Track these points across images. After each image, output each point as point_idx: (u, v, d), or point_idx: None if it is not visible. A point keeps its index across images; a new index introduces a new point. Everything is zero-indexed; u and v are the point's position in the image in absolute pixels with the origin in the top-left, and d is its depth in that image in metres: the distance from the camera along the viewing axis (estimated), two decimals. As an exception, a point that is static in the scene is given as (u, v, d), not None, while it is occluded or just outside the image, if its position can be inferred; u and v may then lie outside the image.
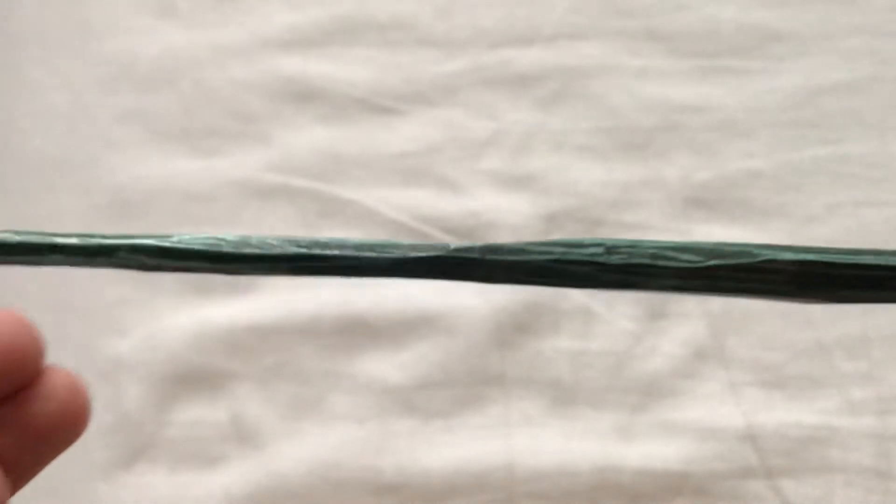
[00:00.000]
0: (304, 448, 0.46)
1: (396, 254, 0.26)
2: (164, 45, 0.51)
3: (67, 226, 0.48)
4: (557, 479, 0.45)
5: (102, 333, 0.47)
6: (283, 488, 0.45)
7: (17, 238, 0.27)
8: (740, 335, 0.46)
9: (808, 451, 0.44)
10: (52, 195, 0.49)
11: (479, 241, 0.47)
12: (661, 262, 0.26)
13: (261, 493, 0.45)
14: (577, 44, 0.50)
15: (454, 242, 0.27)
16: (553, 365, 0.46)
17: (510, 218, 0.48)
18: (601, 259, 0.26)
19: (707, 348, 0.46)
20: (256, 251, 0.27)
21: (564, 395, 0.46)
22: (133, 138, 0.50)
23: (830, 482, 0.44)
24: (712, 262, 0.26)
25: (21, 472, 0.25)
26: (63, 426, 0.26)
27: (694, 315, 0.46)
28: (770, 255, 0.26)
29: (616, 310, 0.46)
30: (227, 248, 0.27)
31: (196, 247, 0.27)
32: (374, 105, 0.50)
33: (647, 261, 0.26)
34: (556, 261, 0.27)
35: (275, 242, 0.27)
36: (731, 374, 0.45)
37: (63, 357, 0.48)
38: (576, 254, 0.26)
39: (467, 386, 0.46)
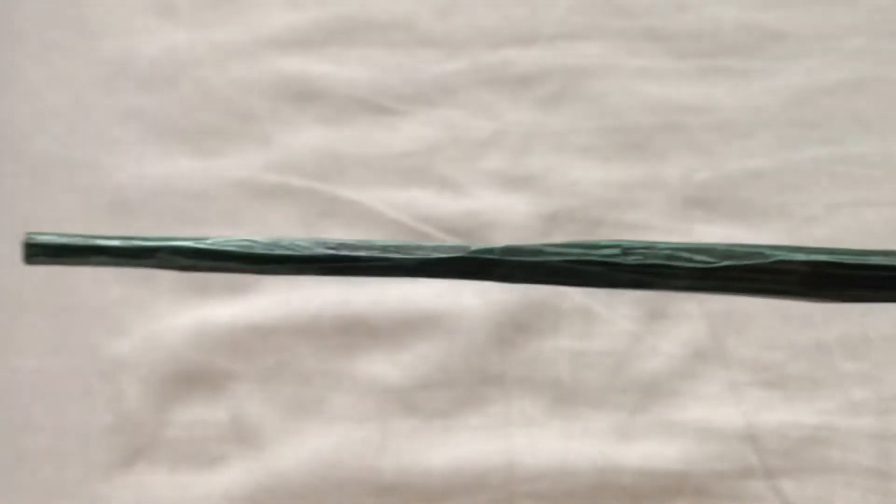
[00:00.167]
0: (304, 448, 0.46)
1: (420, 255, 0.27)
2: (164, 44, 0.51)
3: (67, 226, 0.48)
4: (557, 479, 0.45)
5: (102, 333, 0.47)
6: (283, 488, 0.45)
7: (63, 240, 0.28)
8: (740, 335, 0.46)
9: (808, 451, 0.44)
10: (52, 195, 0.49)
11: (479, 242, 0.47)
12: (675, 263, 0.27)
13: (261, 493, 0.45)
14: (577, 44, 0.50)
15: (474, 244, 0.28)
16: (553, 365, 0.46)
17: (510, 218, 0.48)
18: (617, 260, 0.27)
19: (707, 348, 0.46)
20: (287, 252, 0.28)
21: (564, 395, 0.46)
22: (133, 138, 0.50)
23: (830, 482, 0.44)
24: (726, 263, 0.27)
25: None
26: None
27: (694, 315, 0.46)
28: (782, 255, 0.27)
29: (616, 310, 0.47)
30: (258, 250, 0.28)
31: (229, 248, 0.28)
32: (374, 105, 0.50)
33: (662, 262, 0.27)
34: (573, 261, 0.27)
35: (304, 244, 0.28)
36: (731, 374, 0.45)
37: (63, 357, 0.48)
38: (592, 255, 0.27)
39: (467, 386, 0.46)
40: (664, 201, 0.48)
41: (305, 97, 0.50)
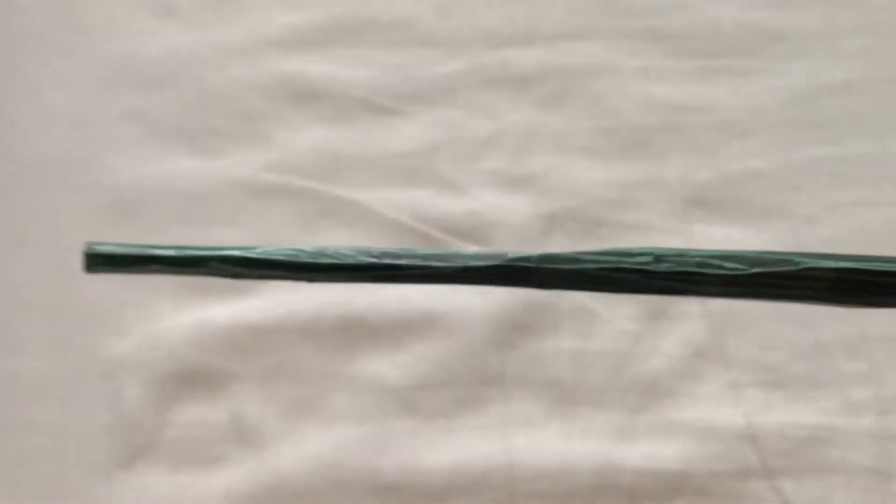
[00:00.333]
0: (304, 448, 0.46)
1: (459, 263, 0.28)
2: (164, 45, 0.51)
3: (67, 226, 0.48)
4: (557, 479, 0.45)
5: (102, 333, 0.47)
6: (283, 488, 0.45)
7: (122, 251, 0.29)
8: (740, 335, 0.46)
9: (808, 451, 0.44)
10: (52, 195, 0.49)
11: (479, 242, 0.47)
12: (707, 270, 0.28)
13: (261, 493, 0.45)
14: (577, 44, 0.50)
15: (512, 252, 0.29)
16: (553, 365, 0.46)
17: (510, 218, 0.48)
18: (650, 267, 0.28)
19: (707, 348, 0.46)
20: (332, 261, 0.29)
21: (564, 395, 0.46)
22: (133, 138, 0.50)
23: (830, 482, 0.44)
24: (756, 270, 0.28)
25: None
26: None
27: (694, 315, 0.46)
28: (811, 263, 0.27)
29: (616, 310, 0.47)
30: (304, 258, 0.29)
31: (277, 257, 0.29)
32: (374, 105, 0.50)
33: (693, 269, 0.28)
34: (608, 269, 0.28)
35: (348, 253, 0.29)
36: (731, 375, 0.45)
37: (63, 357, 0.48)
38: (626, 263, 0.28)
39: (467, 386, 0.46)
40: (664, 201, 0.48)
41: (305, 97, 0.50)
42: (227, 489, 0.46)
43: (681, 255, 0.28)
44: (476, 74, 0.50)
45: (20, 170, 0.49)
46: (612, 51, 0.49)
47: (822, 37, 0.49)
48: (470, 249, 0.29)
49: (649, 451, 0.45)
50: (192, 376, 0.47)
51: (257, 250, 0.29)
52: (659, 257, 0.28)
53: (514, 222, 0.48)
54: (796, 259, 0.28)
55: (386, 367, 0.46)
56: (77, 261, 0.48)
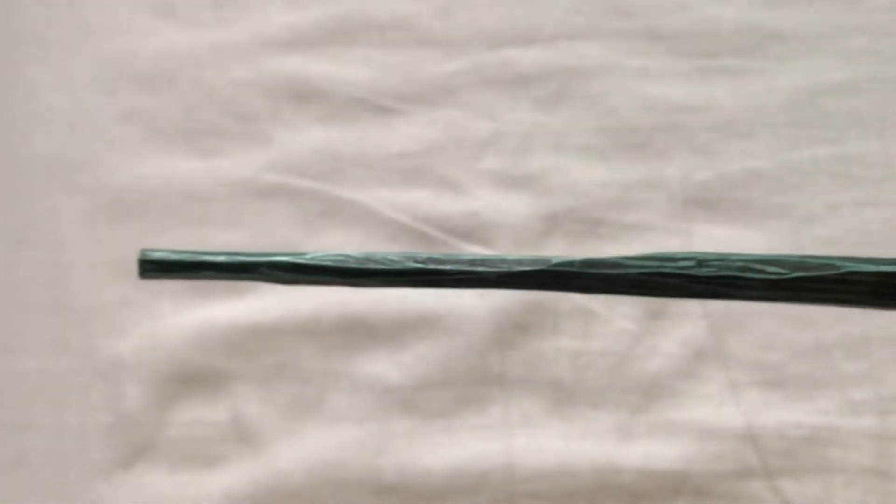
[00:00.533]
0: (304, 448, 0.46)
1: (504, 268, 0.29)
2: (164, 45, 0.51)
3: (68, 226, 0.48)
4: (557, 479, 0.45)
5: (102, 333, 0.47)
6: (283, 488, 0.45)
7: (175, 257, 0.29)
8: (740, 335, 0.46)
9: (808, 451, 0.44)
10: (52, 195, 0.49)
11: (479, 242, 0.47)
12: (748, 275, 0.28)
13: (261, 493, 0.45)
14: (577, 44, 0.50)
15: (555, 257, 0.29)
16: (553, 365, 0.46)
17: (510, 218, 0.48)
18: (692, 272, 0.28)
19: (707, 348, 0.46)
20: (379, 266, 0.29)
21: (564, 395, 0.46)
22: (133, 138, 0.50)
23: (830, 482, 0.44)
24: (798, 275, 0.28)
25: None
26: None
27: (694, 315, 0.46)
28: (852, 266, 0.28)
29: (616, 310, 0.47)
30: (352, 264, 0.29)
31: (325, 263, 0.29)
32: (374, 105, 0.50)
33: (735, 273, 0.28)
34: (650, 273, 0.29)
35: (395, 258, 0.29)
36: (731, 374, 0.45)
37: (63, 357, 0.48)
38: (669, 267, 0.29)
39: (467, 386, 0.46)
40: (664, 201, 0.48)
41: (305, 97, 0.50)
42: (227, 489, 0.46)
43: (722, 259, 0.29)
44: (476, 74, 0.50)
45: (20, 170, 0.49)
46: (612, 51, 0.49)
47: (822, 37, 0.49)
48: (514, 255, 0.29)
49: (649, 451, 0.45)
50: (192, 376, 0.47)
51: (307, 256, 0.29)
52: (701, 262, 0.29)
53: (514, 222, 0.48)
54: (837, 263, 0.28)
55: (386, 367, 0.46)
56: (77, 261, 0.48)
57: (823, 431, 0.44)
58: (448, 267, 0.29)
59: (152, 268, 0.29)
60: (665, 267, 0.29)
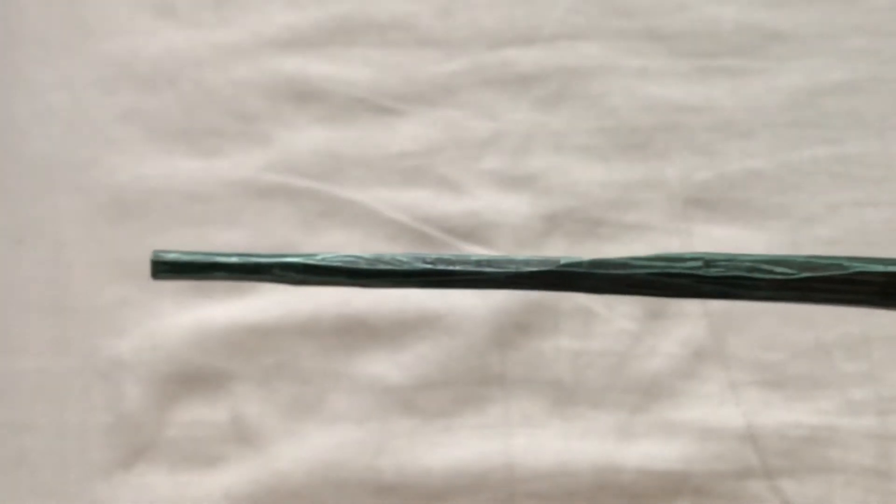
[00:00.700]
0: (304, 448, 0.46)
1: (512, 269, 0.29)
2: (164, 45, 0.50)
3: (68, 226, 0.48)
4: (557, 479, 0.45)
5: (102, 333, 0.47)
6: (283, 488, 0.45)
7: (187, 258, 0.30)
8: (740, 335, 0.46)
9: (808, 451, 0.44)
10: (52, 195, 0.49)
11: (480, 242, 0.47)
12: (756, 275, 0.28)
13: (261, 493, 0.45)
14: (577, 44, 0.50)
15: (564, 257, 0.29)
16: (553, 365, 0.46)
17: (510, 218, 0.48)
18: (700, 272, 0.29)
19: (707, 348, 0.46)
20: (389, 267, 0.29)
21: (564, 395, 0.46)
22: (133, 138, 0.50)
23: (830, 482, 0.44)
24: (806, 275, 0.28)
25: None
26: None
27: (694, 315, 0.46)
28: (860, 267, 0.28)
29: (616, 310, 0.46)
30: (362, 265, 0.29)
31: (336, 264, 0.29)
32: (374, 105, 0.50)
33: (743, 273, 0.28)
34: (658, 274, 0.29)
35: (404, 259, 0.29)
36: (731, 374, 0.45)
37: (63, 357, 0.48)
38: (676, 267, 0.29)
39: (467, 386, 0.46)
40: (664, 201, 0.48)
41: (305, 97, 0.50)
42: (227, 489, 0.46)
43: (730, 259, 0.29)
44: (476, 74, 0.50)
45: (20, 170, 0.49)
46: (612, 51, 0.49)
47: (822, 37, 0.49)
48: (522, 256, 0.30)
49: (649, 451, 0.45)
50: (192, 376, 0.47)
51: (317, 257, 0.29)
52: (709, 262, 0.29)
53: (514, 222, 0.48)
54: (845, 263, 0.28)
55: (386, 367, 0.46)
56: (77, 261, 0.48)
57: (823, 431, 0.44)
58: (457, 268, 0.29)
59: (165, 269, 0.29)
60: (673, 267, 0.29)
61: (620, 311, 0.46)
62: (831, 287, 0.28)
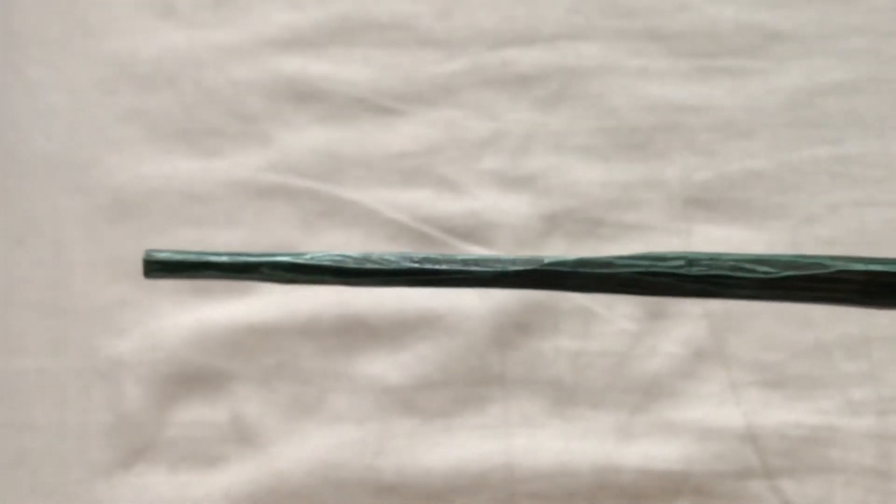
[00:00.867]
0: (304, 448, 0.46)
1: (498, 268, 0.29)
2: (164, 45, 0.51)
3: (68, 226, 0.48)
4: (557, 479, 0.45)
5: (102, 333, 0.47)
6: (283, 488, 0.45)
7: (179, 258, 0.30)
8: (740, 335, 0.46)
9: (808, 451, 0.44)
10: (52, 195, 0.49)
11: (480, 242, 0.47)
12: (739, 274, 0.29)
13: (261, 494, 0.45)
14: (577, 44, 0.50)
15: (548, 256, 0.30)
16: (553, 365, 0.46)
17: (510, 218, 0.48)
18: (683, 271, 0.29)
19: (707, 348, 0.46)
20: (376, 266, 0.30)
21: (564, 395, 0.46)
22: (133, 138, 0.50)
23: (830, 482, 0.44)
24: (788, 273, 0.29)
25: None
26: None
27: (694, 315, 0.46)
28: (841, 266, 0.28)
29: (616, 310, 0.47)
30: (351, 264, 0.30)
31: (325, 263, 0.30)
32: (374, 105, 0.50)
33: (726, 272, 0.29)
34: (641, 273, 0.29)
35: (392, 258, 0.30)
36: (731, 374, 0.45)
37: (63, 357, 0.48)
38: (660, 266, 0.29)
39: (467, 386, 0.46)
40: (664, 201, 0.48)
41: (305, 97, 0.50)
42: (227, 489, 0.46)
43: (713, 258, 0.29)
44: (476, 74, 0.50)
45: (20, 170, 0.49)
46: (612, 51, 0.49)
47: (822, 37, 0.49)
48: (508, 255, 0.31)
49: (649, 451, 0.45)
50: (192, 376, 0.47)
51: (306, 256, 0.30)
52: (691, 261, 0.29)
53: (513, 223, 0.48)
54: (827, 262, 0.28)
55: (386, 367, 0.46)
56: (77, 261, 0.48)
57: (823, 431, 0.44)
58: (443, 267, 0.30)
59: (157, 268, 0.30)
60: (656, 266, 0.29)
61: (620, 311, 0.46)
62: (813, 286, 0.28)
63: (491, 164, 0.49)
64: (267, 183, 0.49)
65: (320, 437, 0.46)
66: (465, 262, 0.30)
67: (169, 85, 0.50)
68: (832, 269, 0.28)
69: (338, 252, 0.30)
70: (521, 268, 0.29)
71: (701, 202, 0.47)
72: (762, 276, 0.29)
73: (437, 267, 0.30)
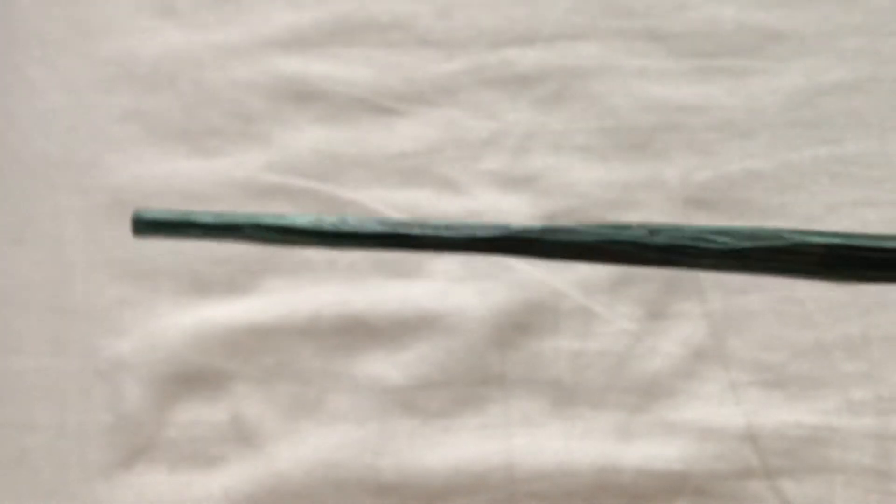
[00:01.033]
0: (304, 448, 0.46)
1: (467, 233, 0.30)
2: (164, 45, 0.51)
3: (68, 226, 0.48)
4: (557, 479, 0.45)
5: (102, 333, 0.47)
6: (282, 488, 0.45)
7: (165, 216, 0.31)
8: (740, 335, 0.46)
9: (808, 451, 0.44)
10: (52, 195, 0.49)
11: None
12: (700, 244, 0.29)
13: (261, 493, 0.45)
14: (577, 44, 0.50)
15: (515, 224, 0.31)
16: (553, 365, 0.46)
17: (510, 218, 0.48)
18: (646, 240, 0.30)
19: (707, 348, 0.46)
20: (352, 229, 0.31)
21: (564, 395, 0.46)
22: (133, 138, 0.50)
23: (830, 482, 0.44)
24: (748, 245, 0.29)
25: None
26: None
27: (694, 315, 0.46)
28: (800, 238, 0.29)
29: (616, 310, 0.47)
30: (327, 227, 0.31)
31: (304, 225, 0.31)
32: (374, 105, 0.50)
33: (688, 242, 0.29)
34: (604, 241, 0.30)
35: (368, 222, 0.31)
36: (731, 374, 0.45)
37: (63, 357, 0.48)
38: (622, 235, 0.30)
39: (467, 386, 0.46)
40: (664, 201, 0.48)
41: (305, 97, 0.50)
42: (226, 489, 0.46)
43: (676, 228, 0.29)
44: (476, 74, 0.50)
45: (20, 170, 0.49)
46: (612, 51, 0.49)
47: (822, 37, 0.49)
48: (478, 221, 0.31)
49: (649, 451, 0.45)
50: (192, 376, 0.47)
51: (286, 218, 0.31)
52: (654, 231, 0.29)
53: (513, 222, 0.48)
54: (786, 234, 0.29)
55: (386, 367, 0.46)
56: (77, 261, 0.48)
57: (823, 431, 0.44)
58: (415, 231, 0.31)
59: (145, 226, 0.31)
60: (619, 235, 0.30)
61: (620, 311, 0.46)
62: (773, 256, 0.29)
63: (491, 164, 0.49)
64: (267, 183, 0.49)
65: (320, 436, 0.46)
66: (436, 227, 0.30)
67: (169, 85, 0.50)
68: (791, 241, 0.29)
69: (316, 214, 0.31)
70: (489, 234, 0.30)
71: (701, 202, 0.47)
72: (721, 246, 0.29)
73: (409, 231, 0.31)
